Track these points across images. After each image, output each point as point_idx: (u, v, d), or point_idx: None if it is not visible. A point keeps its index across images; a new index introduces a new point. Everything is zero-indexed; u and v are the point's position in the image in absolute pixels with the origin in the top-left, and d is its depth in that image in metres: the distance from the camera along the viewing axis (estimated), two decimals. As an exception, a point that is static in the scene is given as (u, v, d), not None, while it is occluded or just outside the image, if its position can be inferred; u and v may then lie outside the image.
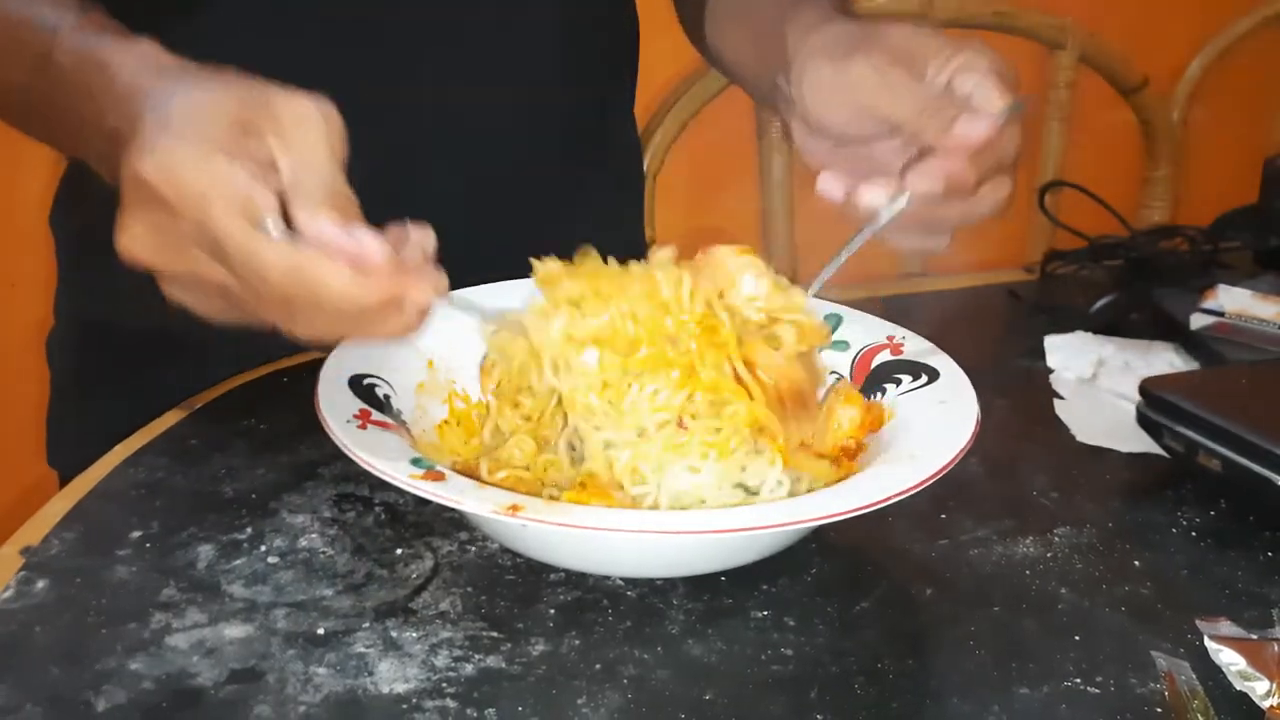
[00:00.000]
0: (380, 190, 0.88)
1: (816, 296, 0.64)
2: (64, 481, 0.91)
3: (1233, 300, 0.86)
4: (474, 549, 0.59)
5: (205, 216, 0.49)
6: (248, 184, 0.49)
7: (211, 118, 0.50)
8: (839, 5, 0.73)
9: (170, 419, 0.71)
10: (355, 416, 0.57)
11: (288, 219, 0.50)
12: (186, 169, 0.49)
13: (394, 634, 0.52)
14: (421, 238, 0.53)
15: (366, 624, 0.53)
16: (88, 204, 0.89)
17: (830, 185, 0.63)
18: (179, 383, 0.75)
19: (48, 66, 0.59)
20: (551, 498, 0.57)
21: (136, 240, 0.51)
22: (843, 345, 0.69)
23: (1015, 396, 0.79)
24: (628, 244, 0.69)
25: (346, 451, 0.54)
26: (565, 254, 0.69)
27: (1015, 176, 0.64)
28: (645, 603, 0.55)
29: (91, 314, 0.90)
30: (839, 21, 0.67)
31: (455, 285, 0.70)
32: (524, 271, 0.74)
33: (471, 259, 0.67)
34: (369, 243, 0.50)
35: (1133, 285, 0.95)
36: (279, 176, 0.50)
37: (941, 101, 0.61)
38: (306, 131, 0.51)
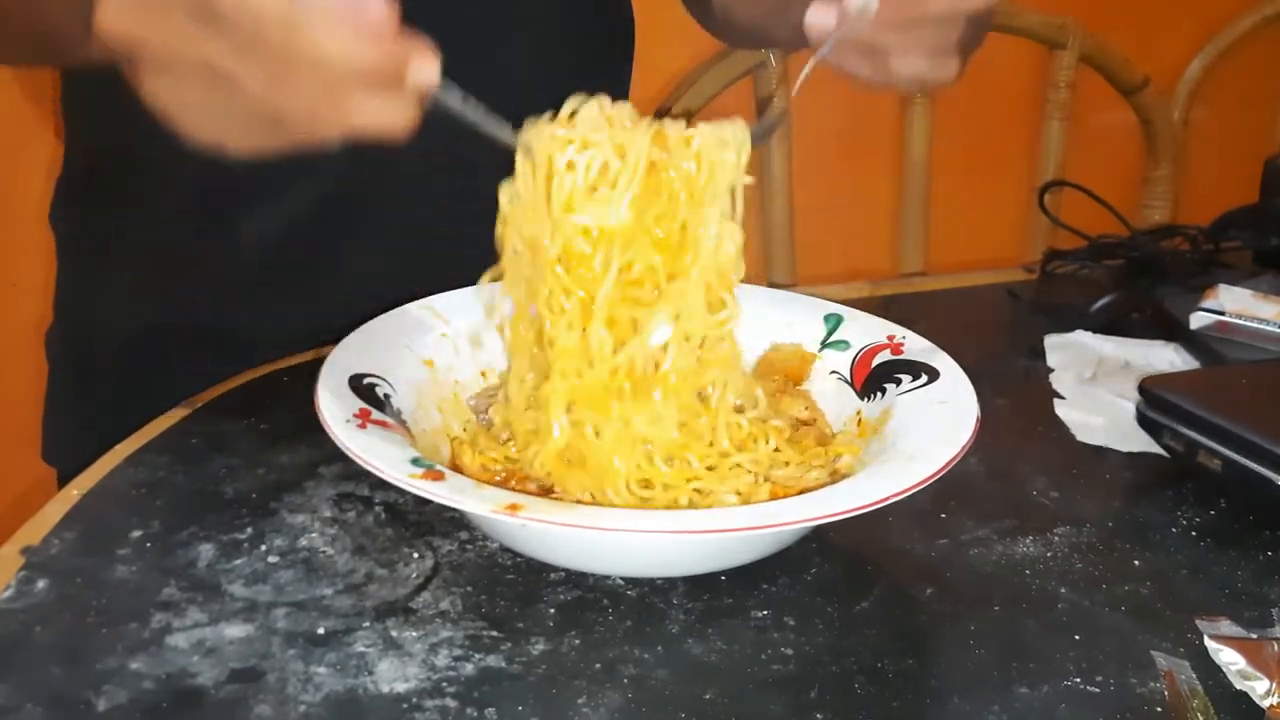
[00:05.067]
0: (365, 186, 0.88)
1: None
2: (60, 476, 0.92)
3: (1233, 300, 0.86)
4: (474, 548, 0.59)
5: None
6: None
7: None
8: None
9: (171, 418, 0.70)
10: (355, 416, 0.57)
11: None
12: None
13: (394, 633, 0.52)
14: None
15: (367, 623, 0.53)
16: (87, 201, 0.89)
17: (820, 15, 0.61)
18: (176, 379, 0.75)
19: None
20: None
21: (119, 10, 0.48)
22: (843, 345, 0.69)
23: (1015, 396, 0.79)
24: None
25: (346, 451, 0.54)
26: None
27: None
28: (645, 602, 0.55)
29: (91, 309, 0.91)
30: None
31: (443, 285, 0.71)
32: None
33: (459, 259, 0.67)
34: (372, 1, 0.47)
35: (1133, 285, 0.95)
36: None
37: None
38: None
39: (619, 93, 0.99)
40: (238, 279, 0.85)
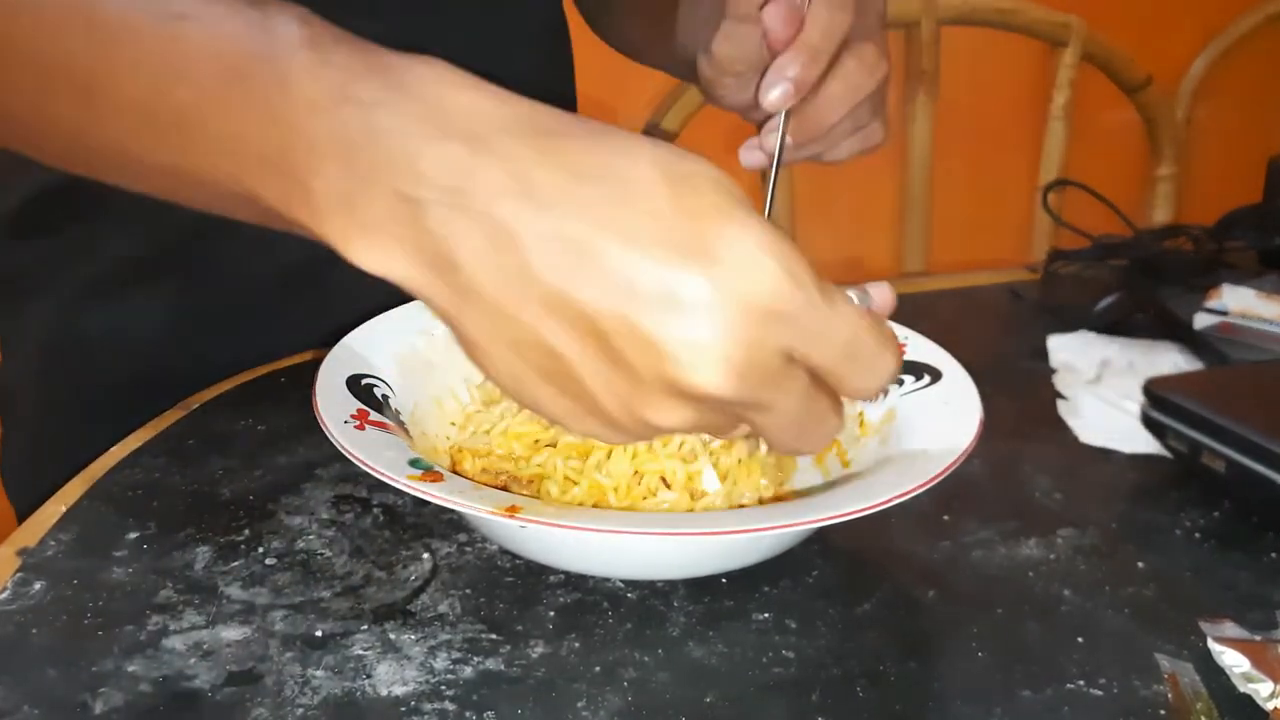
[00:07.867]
0: None
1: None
2: (20, 516, 0.85)
3: (1237, 300, 0.86)
4: (473, 551, 0.58)
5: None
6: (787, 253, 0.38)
7: (646, 207, 0.38)
8: None
9: (167, 419, 0.70)
10: (353, 417, 0.57)
11: None
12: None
13: (392, 636, 0.52)
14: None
15: (365, 626, 0.53)
16: (31, 238, 0.82)
17: (749, 156, 0.65)
18: (131, 408, 0.71)
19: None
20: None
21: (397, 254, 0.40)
22: (845, 345, 0.69)
23: (1018, 397, 0.79)
24: None
25: (344, 452, 0.53)
26: None
27: (878, 25, 0.62)
28: (646, 605, 0.55)
29: (37, 340, 0.85)
30: None
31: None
32: None
33: None
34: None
35: (1136, 285, 0.94)
36: None
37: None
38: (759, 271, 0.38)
39: (562, 75, 0.97)
40: (210, 311, 0.82)
